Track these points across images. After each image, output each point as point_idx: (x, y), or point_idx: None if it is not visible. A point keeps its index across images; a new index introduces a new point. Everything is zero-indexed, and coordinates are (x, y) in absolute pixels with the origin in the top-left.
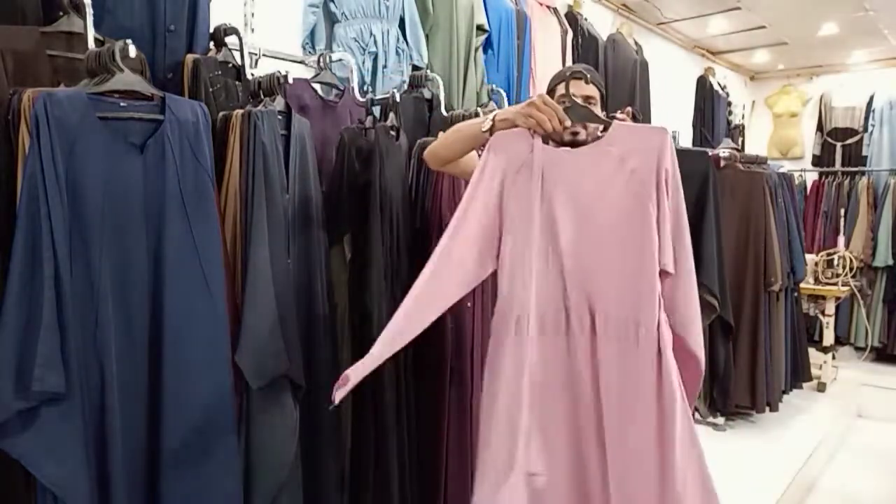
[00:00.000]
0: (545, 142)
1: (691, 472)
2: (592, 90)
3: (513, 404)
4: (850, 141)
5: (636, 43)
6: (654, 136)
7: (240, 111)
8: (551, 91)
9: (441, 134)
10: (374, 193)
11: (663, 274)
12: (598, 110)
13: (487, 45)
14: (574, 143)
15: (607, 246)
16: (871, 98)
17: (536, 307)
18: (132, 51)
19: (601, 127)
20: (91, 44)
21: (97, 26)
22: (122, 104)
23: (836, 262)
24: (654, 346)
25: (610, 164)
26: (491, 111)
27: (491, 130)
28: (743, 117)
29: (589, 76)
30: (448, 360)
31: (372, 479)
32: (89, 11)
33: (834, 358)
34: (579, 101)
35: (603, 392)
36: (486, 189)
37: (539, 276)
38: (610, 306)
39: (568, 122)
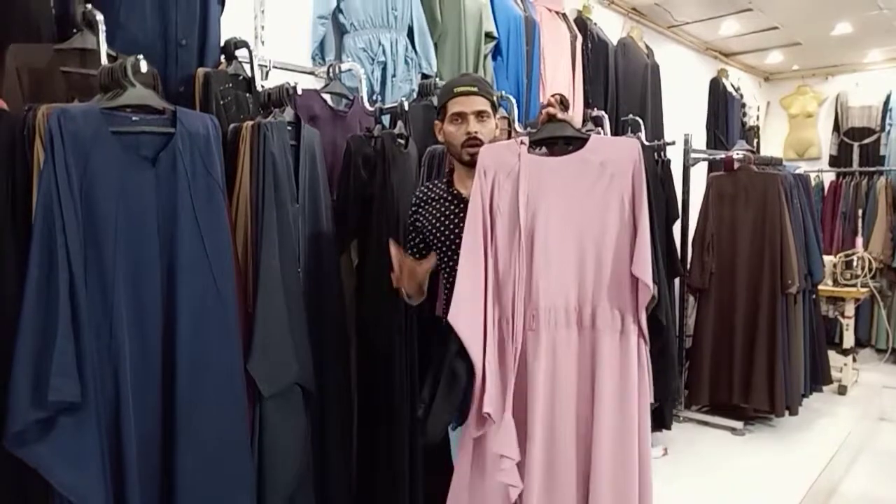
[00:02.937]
0: (530, 151)
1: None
2: (482, 103)
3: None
4: (867, 140)
5: (647, 47)
6: (628, 146)
7: (250, 123)
8: (443, 107)
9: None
10: (378, 201)
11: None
12: (491, 124)
13: (496, 52)
14: (556, 153)
15: (591, 243)
16: (888, 97)
17: (526, 306)
18: (144, 66)
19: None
20: (104, 60)
21: (110, 42)
22: (134, 118)
23: (854, 264)
24: (636, 333)
25: (592, 170)
26: (502, 118)
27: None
28: (758, 119)
29: (476, 88)
30: None
31: (382, 483)
32: (102, 28)
33: (854, 360)
34: (472, 118)
35: (597, 377)
36: (484, 208)
37: (528, 276)
38: (598, 299)
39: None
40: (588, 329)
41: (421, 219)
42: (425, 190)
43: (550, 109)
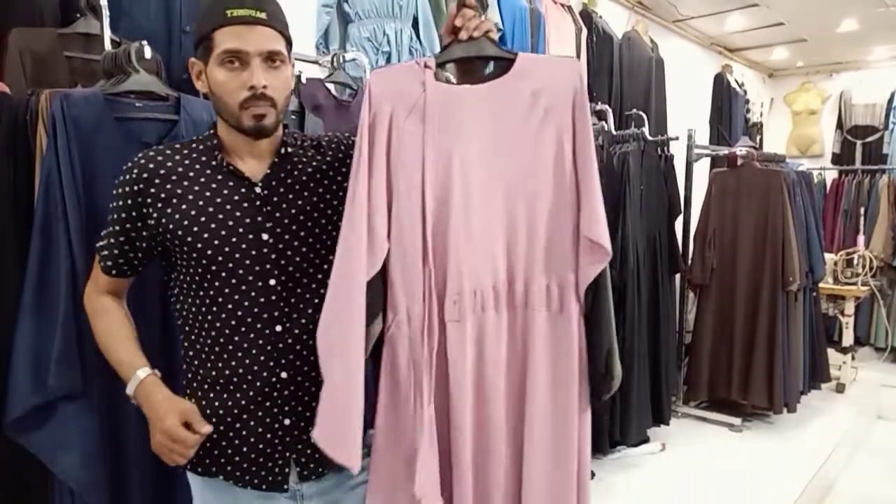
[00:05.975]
0: (438, 78)
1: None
2: (275, 39)
3: (415, 403)
4: (870, 138)
5: (652, 41)
6: (566, 67)
7: None
8: (207, 38)
9: (105, 323)
10: None
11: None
12: (288, 72)
13: (501, 43)
14: (472, 80)
15: (523, 200)
16: (892, 95)
17: (444, 292)
18: (147, 52)
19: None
20: (108, 45)
21: (114, 28)
22: (137, 104)
23: (855, 262)
24: (577, 310)
25: (521, 103)
26: None
27: (133, 397)
28: (761, 115)
29: (265, 13)
30: None
31: None
32: (106, 13)
33: (853, 359)
34: (257, 62)
35: (529, 367)
36: (377, 156)
37: (440, 247)
38: (532, 271)
39: (191, 453)
40: (520, 309)
41: (159, 204)
42: (159, 157)
43: (458, 21)
